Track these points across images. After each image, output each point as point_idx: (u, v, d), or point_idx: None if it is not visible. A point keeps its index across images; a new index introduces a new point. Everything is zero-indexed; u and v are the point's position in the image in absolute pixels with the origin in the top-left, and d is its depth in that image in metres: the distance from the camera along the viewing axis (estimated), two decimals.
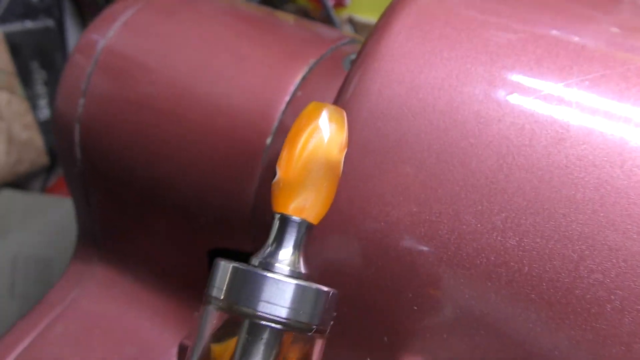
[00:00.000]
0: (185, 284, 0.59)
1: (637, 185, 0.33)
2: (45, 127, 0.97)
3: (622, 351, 0.33)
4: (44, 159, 0.99)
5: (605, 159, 0.34)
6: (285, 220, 0.32)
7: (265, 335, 0.30)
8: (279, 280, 0.30)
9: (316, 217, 0.32)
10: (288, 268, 0.31)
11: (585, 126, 0.34)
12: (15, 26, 0.90)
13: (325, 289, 0.31)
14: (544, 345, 0.34)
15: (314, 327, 0.31)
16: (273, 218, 0.32)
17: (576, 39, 0.37)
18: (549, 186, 0.34)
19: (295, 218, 0.31)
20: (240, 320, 0.30)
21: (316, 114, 0.32)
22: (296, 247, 0.32)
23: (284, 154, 0.32)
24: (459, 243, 0.35)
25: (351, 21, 0.89)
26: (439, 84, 0.37)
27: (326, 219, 0.38)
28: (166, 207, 0.55)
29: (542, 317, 0.34)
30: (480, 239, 0.35)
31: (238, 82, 0.52)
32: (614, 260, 0.33)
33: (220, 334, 0.31)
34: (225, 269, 0.31)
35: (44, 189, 1.07)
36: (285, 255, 0.31)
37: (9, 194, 0.95)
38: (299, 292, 0.30)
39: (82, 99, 0.54)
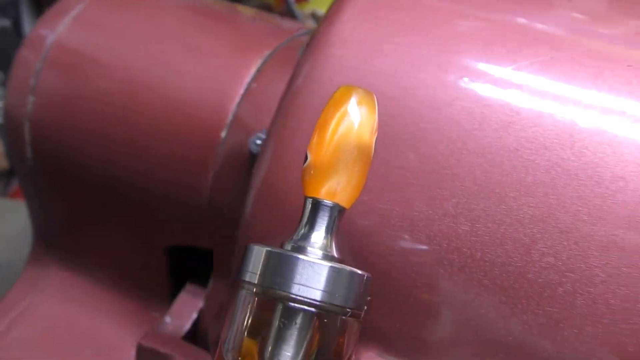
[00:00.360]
0: (142, 284, 0.57)
1: (587, 166, 0.33)
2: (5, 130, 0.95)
3: (575, 334, 0.33)
4: (4, 163, 0.97)
5: (555, 141, 0.33)
6: (317, 205, 0.31)
7: (299, 320, 0.29)
8: (313, 262, 0.29)
9: (348, 200, 0.31)
10: (321, 252, 0.30)
11: (536, 109, 0.34)
12: None
13: (360, 272, 0.30)
14: (497, 331, 0.34)
15: (349, 310, 0.30)
16: (304, 202, 0.31)
17: (526, 22, 0.36)
18: (499, 170, 0.34)
19: (327, 202, 0.30)
20: (273, 305, 0.29)
21: (346, 98, 0.31)
22: (328, 231, 0.31)
23: (314, 139, 0.31)
24: (411, 230, 0.35)
25: (314, 16, 0.88)
26: (390, 70, 0.36)
27: (279, 205, 0.38)
28: (121, 204, 0.54)
29: (495, 303, 0.34)
30: (432, 226, 0.34)
31: (192, 75, 0.51)
32: (565, 243, 0.33)
33: (251, 326, 0.30)
34: (258, 253, 0.30)
35: (6, 194, 1.04)
36: (318, 239, 0.31)
37: None
38: (334, 274, 0.29)
39: (32, 97, 0.53)
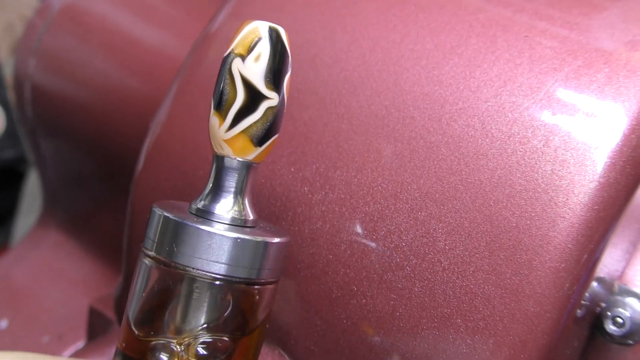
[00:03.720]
0: (118, 252, 0.58)
1: (451, 140, 0.29)
2: None
3: (409, 326, 0.29)
4: None
5: (425, 110, 0.30)
6: (224, 161, 0.27)
7: (206, 291, 0.26)
8: (215, 233, 0.26)
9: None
10: (230, 216, 0.27)
11: (414, 76, 0.31)
12: None
13: (274, 240, 0.27)
14: (337, 313, 0.30)
15: (260, 280, 0.27)
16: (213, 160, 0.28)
17: None
18: (363, 138, 0.31)
19: (238, 158, 0.27)
20: (178, 275, 0.26)
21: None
22: (238, 191, 0.27)
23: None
24: (269, 195, 0.33)
25: None
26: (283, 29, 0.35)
27: (173, 160, 0.37)
28: (100, 168, 0.56)
29: (338, 283, 0.30)
30: (290, 192, 0.32)
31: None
32: (412, 222, 0.29)
33: (156, 295, 0.27)
34: (157, 218, 0.27)
35: None
36: (227, 201, 0.27)
37: None
38: (239, 246, 0.26)
39: (33, 59, 0.56)
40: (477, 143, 0.29)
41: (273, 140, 0.27)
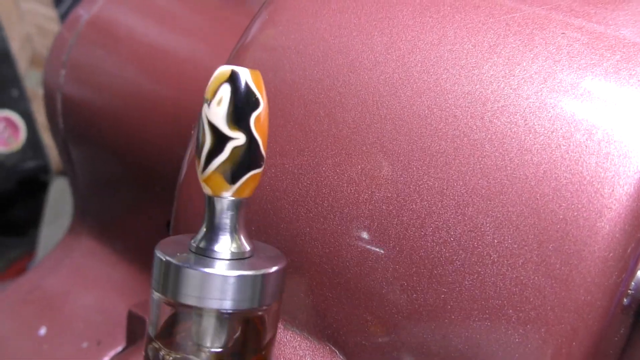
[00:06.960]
0: (147, 257, 0.59)
1: (494, 137, 0.30)
2: None
3: (461, 318, 0.29)
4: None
5: (467, 109, 0.31)
6: (215, 202, 0.29)
7: (213, 322, 0.28)
8: (218, 275, 0.27)
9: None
10: (228, 252, 0.29)
11: (454, 75, 0.32)
12: None
13: (271, 269, 0.28)
14: (387, 308, 0.31)
15: (263, 307, 0.29)
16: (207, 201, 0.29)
17: None
18: (407, 138, 0.32)
19: (233, 198, 0.29)
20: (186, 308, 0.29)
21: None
22: (232, 228, 0.29)
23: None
24: (316, 197, 0.33)
25: None
26: (318, 35, 0.36)
27: None
28: (131, 175, 0.57)
29: (388, 278, 0.31)
30: (336, 193, 0.33)
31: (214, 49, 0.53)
32: (460, 218, 0.30)
33: (168, 321, 0.30)
34: (159, 262, 0.29)
35: None
36: (225, 238, 0.29)
37: (62, 183, 1.01)
38: (241, 282, 0.28)
39: (63, 70, 0.57)
40: (520, 139, 0.29)
41: (251, 176, 0.29)
